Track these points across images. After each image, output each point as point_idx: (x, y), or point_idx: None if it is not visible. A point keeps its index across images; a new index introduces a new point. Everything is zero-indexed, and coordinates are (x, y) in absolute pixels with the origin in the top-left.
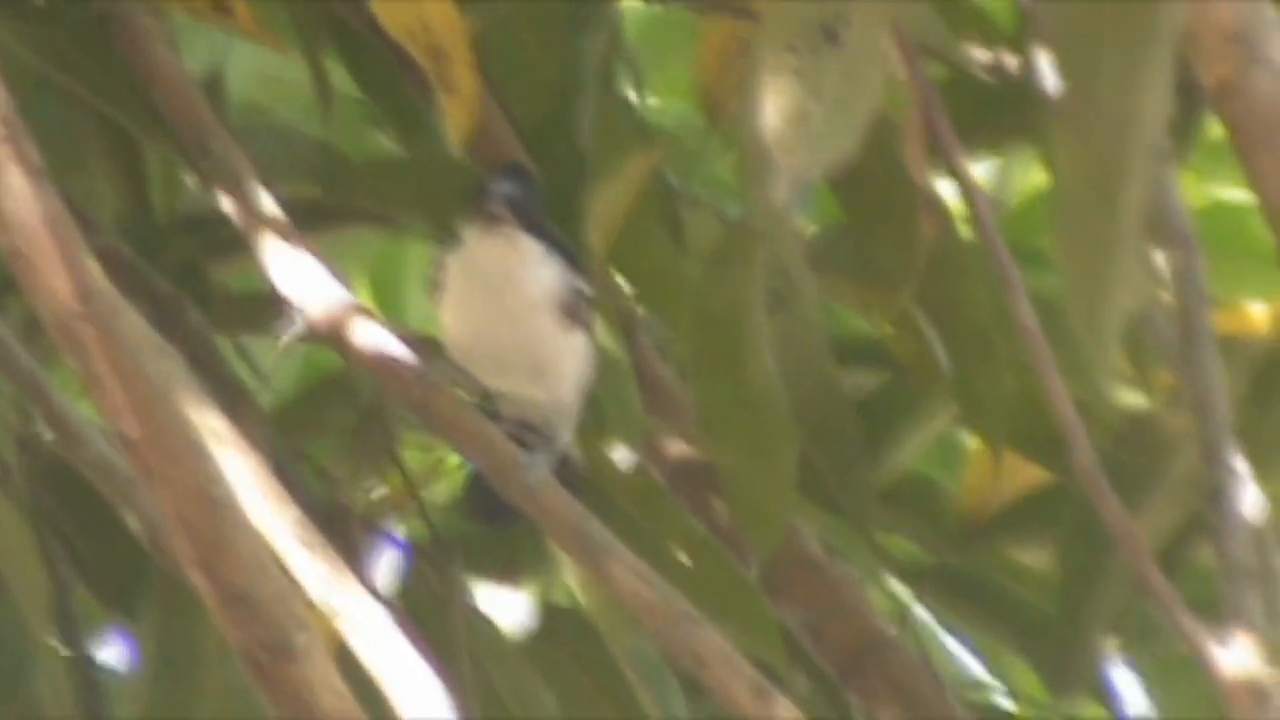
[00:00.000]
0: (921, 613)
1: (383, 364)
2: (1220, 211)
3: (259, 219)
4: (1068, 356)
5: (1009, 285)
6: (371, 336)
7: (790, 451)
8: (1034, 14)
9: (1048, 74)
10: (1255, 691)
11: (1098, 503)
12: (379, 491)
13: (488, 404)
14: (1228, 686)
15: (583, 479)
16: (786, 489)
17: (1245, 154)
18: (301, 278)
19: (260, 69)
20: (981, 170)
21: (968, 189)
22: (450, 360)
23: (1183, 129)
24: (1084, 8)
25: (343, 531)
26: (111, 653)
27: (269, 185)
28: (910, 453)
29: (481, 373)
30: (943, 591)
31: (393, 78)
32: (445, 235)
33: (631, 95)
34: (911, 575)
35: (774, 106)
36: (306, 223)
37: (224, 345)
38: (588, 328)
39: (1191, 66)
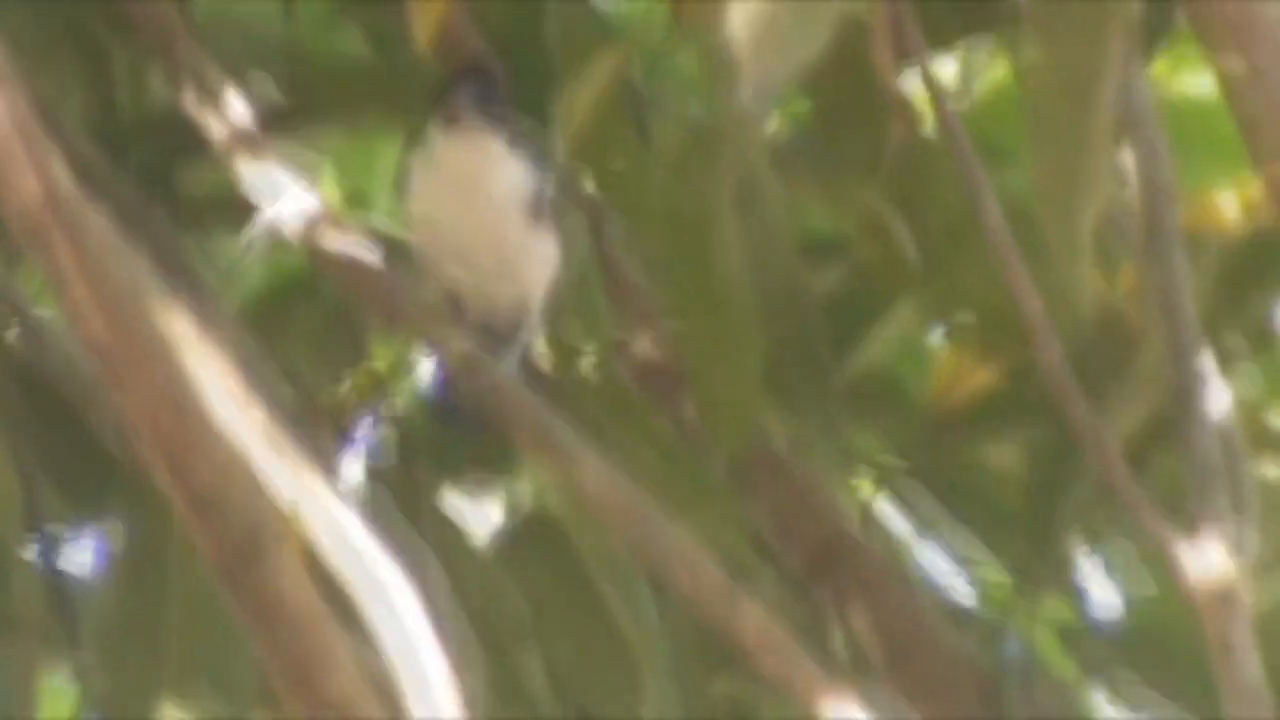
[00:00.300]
0: (888, 510)
1: (350, 265)
2: (1185, 103)
3: (226, 120)
4: (1036, 257)
5: (975, 187)
6: (338, 237)
7: (756, 350)
8: None
9: None
10: (1222, 590)
11: (1065, 404)
12: (347, 391)
13: (455, 304)
14: (1194, 585)
15: (546, 379)
16: (752, 387)
17: (1213, 49)
18: (268, 178)
19: None
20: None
21: (935, 92)
22: (418, 260)
23: (1151, 24)
24: None
25: (311, 432)
26: (81, 556)
27: (235, 84)
28: (875, 352)
29: (449, 272)
30: (909, 489)
31: None
32: (413, 136)
33: None
34: (878, 473)
35: (742, 10)
36: (273, 122)
37: (190, 246)
38: (555, 227)
39: None
